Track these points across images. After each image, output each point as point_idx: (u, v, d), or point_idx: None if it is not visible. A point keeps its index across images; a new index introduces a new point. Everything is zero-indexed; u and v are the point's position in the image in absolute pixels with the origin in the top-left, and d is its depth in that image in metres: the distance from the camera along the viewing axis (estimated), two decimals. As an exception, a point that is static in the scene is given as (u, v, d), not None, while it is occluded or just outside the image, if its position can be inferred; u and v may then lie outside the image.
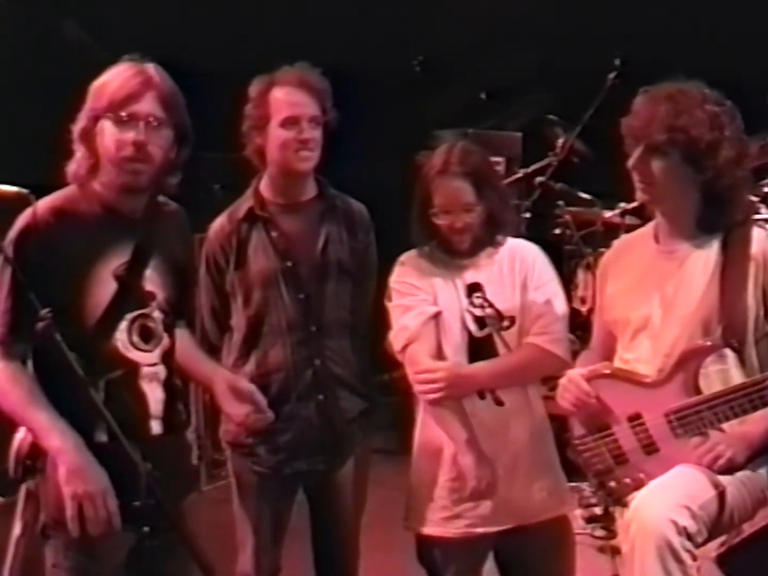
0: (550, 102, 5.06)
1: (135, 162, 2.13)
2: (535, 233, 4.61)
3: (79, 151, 2.16)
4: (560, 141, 4.67)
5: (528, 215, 4.64)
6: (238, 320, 2.76)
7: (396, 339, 2.65)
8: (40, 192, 2.17)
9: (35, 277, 2.06)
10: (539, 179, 4.63)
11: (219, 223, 2.76)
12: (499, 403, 2.61)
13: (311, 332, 2.71)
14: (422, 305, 2.63)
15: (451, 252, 2.65)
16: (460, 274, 2.65)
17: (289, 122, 2.64)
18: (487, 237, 2.64)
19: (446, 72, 5.38)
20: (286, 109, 2.64)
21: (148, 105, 2.13)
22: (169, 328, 2.27)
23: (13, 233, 2.14)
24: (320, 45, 4.95)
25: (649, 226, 2.52)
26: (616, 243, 2.70)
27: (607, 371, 2.44)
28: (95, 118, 2.14)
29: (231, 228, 2.73)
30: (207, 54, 4.69)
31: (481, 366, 2.60)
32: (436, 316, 2.62)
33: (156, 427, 2.21)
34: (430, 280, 2.65)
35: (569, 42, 5.11)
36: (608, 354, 2.52)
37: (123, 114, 2.11)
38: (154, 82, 2.15)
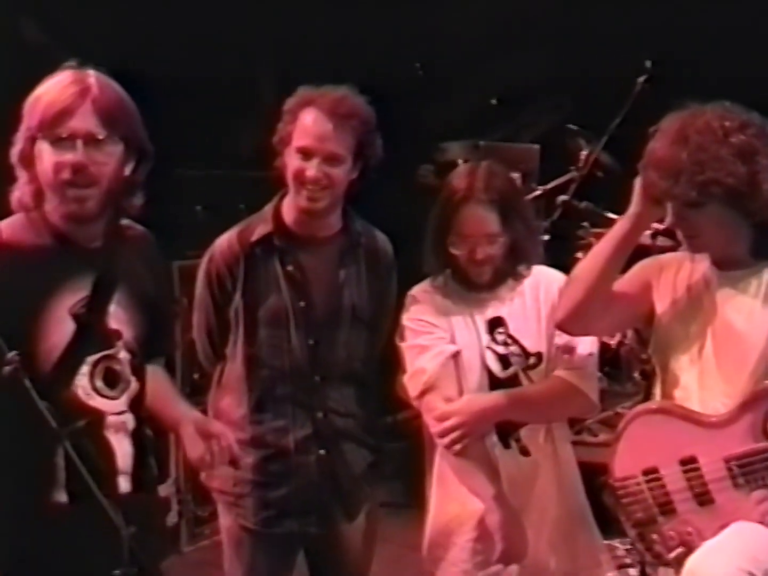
0: (571, 109, 5.14)
1: (76, 187, 2.09)
2: (557, 258, 4.65)
3: (22, 176, 2.14)
4: (583, 153, 4.74)
5: (547, 238, 4.68)
6: (235, 353, 2.79)
7: (412, 383, 2.69)
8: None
9: None
10: (561, 198, 4.69)
11: (227, 241, 2.78)
12: (526, 452, 2.66)
13: (315, 382, 2.75)
14: (439, 344, 2.67)
15: (467, 285, 2.70)
16: (479, 308, 2.70)
17: (303, 152, 2.65)
18: (509, 269, 2.69)
19: (452, 76, 5.45)
20: (305, 138, 2.64)
21: (85, 120, 2.08)
22: (139, 371, 2.24)
23: None
24: (308, 48, 5.06)
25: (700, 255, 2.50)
26: (658, 256, 2.67)
27: (656, 406, 2.44)
28: (31, 139, 2.10)
29: (241, 250, 2.75)
30: (186, 62, 4.74)
31: (502, 394, 2.64)
32: (455, 356, 2.66)
33: (124, 484, 2.18)
34: (447, 315, 2.70)
35: (592, 40, 5.17)
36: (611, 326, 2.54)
37: (58, 132, 2.07)
38: (91, 93, 2.10)
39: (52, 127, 2.07)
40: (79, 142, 2.07)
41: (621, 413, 4.21)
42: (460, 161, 4.79)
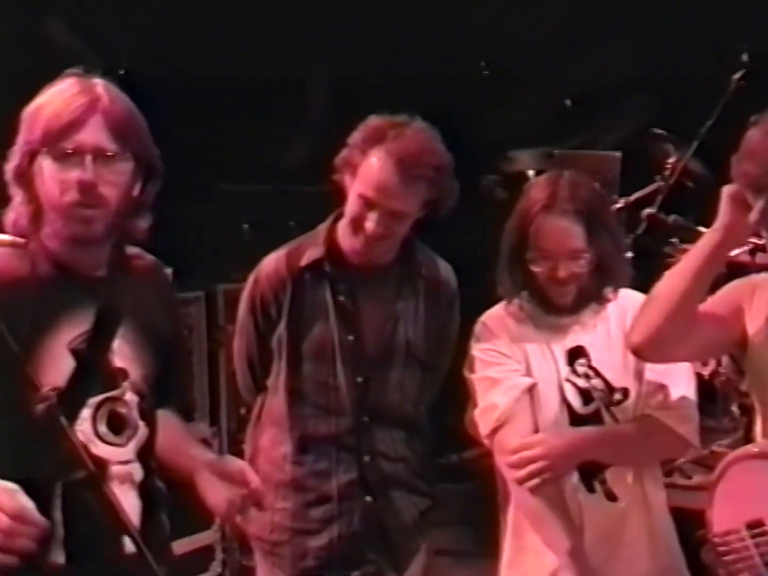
0: (657, 111, 5.11)
1: (83, 207, 2.07)
2: (641, 278, 4.61)
3: (17, 196, 2.11)
4: (671, 161, 4.69)
5: (631, 255, 4.65)
6: (278, 386, 2.82)
7: (483, 420, 2.69)
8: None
9: None
10: (646, 211, 4.65)
11: (274, 263, 2.81)
12: (612, 497, 2.65)
13: (362, 423, 2.77)
14: (513, 377, 2.67)
15: (547, 307, 2.70)
16: (557, 336, 2.70)
17: (364, 201, 2.66)
18: (594, 291, 2.69)
19: (521, 75, 5.44)
20: (369, 187, 2.64)
21: (94, 134, 2.06)
22: (148, 416, 2.21)
23: None
24: (363, 48, 5.09)
25: None
26: (751, 276, 2.66)
27: (757, 449, 2.41)
28: (31, 154, 2.08)
29: (288, 274, 2.78)
30: (228, 64, 4.79)
31: (592, 431, 2.63)
32: (531, 390, 2.66)
33: (130, 544, 2.07)
34: (521, 344, 2.70)
35: (680, 33, 5.14)
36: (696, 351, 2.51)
37: (64, 147, 2.05)
38: (101, 104, 2.08)
39: (57, 141, 2.05)
40: (88, 158, 2.05)
41: (717, 452, 4.14)
42: (530, 172, 4.82)
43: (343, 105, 4.58)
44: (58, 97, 2.09)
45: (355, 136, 2.69)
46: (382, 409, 2.76)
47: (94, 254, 2.15)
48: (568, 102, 5.41)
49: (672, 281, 2.44)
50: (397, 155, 2.61)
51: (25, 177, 2.09)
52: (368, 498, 2.77)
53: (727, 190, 2.38)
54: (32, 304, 2.06)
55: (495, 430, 2.66)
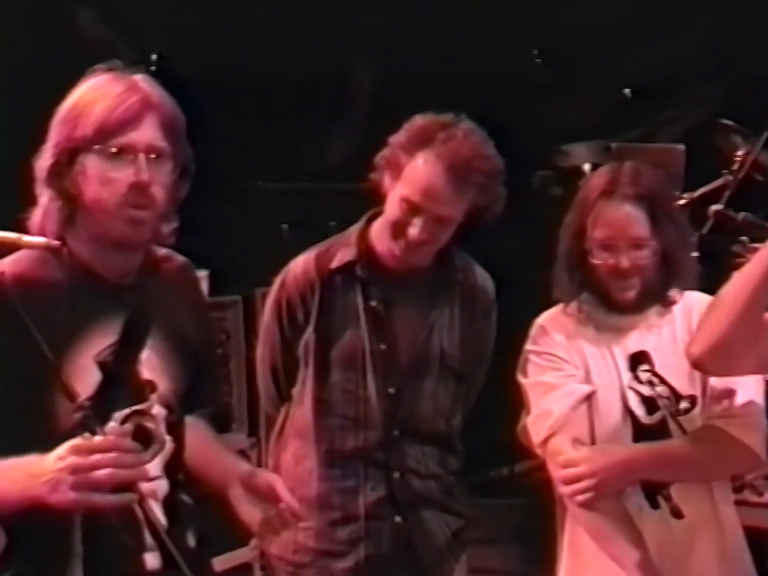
0: (724, 100, 5.06)
1: (134, 209, 2.10)
2: (707, 280, 4.57)
3: (45, 196, 2.13)
4: (739, 153, 4.65)
5: (696, 255, 4.62)
6: (303, 395, 2.83)
7: (535, 428, 2.67)
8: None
9: None
10: (713, 207, 4.61)
11: (302, 265, 2.82)
12: (679, 514, 2.62)
13: (393, 437, 2.78)
14: (570, 383, 2.66)
15: (608, 306, 2.68)
16: (619, 338, 2.68)
17: (408, 205, 2.66)
18: (659, 288, 2.67)
19: (575, 63, 5.42)
20: (414, 191, 2.64)
21: (148, 132, 2.10)
22: (175, 429, 2.23)
23: None
24: (407, 39, 5.09)
25: None
26: None
27: None
28: (70, 152, 2.10)
29: (318, 276, 2.79)
30: (267, 61, 4.81)
31: (643, 448, 2.61)
32: (589, 398, 2.64)
33: (152, 560, 2.14)
34: (580, 348, 2.69)
35: (749, 14, 5.07)
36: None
37: (116, 145, 2.08)
38: (153, 102, 2.11)
39: (109, 139, 2.08)
40: (142, 158, 2.08)
41: (790, 468, 4.12)
42: (586, 166, 4.80)
43: (386, 100, 4.59)
44: (106, 94, 2.10)
45: (400, 136, 2.69)
46: (413, 422, 2.77)
47: (127, 259, 2.17)
48: (627, 91, 5.39)
49: (738, 285, 2.38)
50: (447, 159, 2.61)
51: (61, 176, 2.11)
52: (398, 518, 2.77)
53: None
54: (58, 313, 2.06)
55: (548, 439, 2.65)
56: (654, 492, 2.64)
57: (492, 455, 3.68)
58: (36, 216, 2.14)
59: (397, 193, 2.68)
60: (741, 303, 2.35)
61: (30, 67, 4.79)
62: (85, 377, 2.09)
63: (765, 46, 4.92)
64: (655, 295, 2.67)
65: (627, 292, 2.65)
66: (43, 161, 2.12)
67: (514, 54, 5.35)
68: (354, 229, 2.82)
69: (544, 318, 2.77)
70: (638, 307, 2.67)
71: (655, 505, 2.63)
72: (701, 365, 2.49)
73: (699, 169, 4.83)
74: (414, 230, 2.65)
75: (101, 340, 2.12)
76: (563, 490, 2.62)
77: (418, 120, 2.70)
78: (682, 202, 4.72)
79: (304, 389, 2.82)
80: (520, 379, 2.74)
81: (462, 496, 2.91)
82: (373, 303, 2.76)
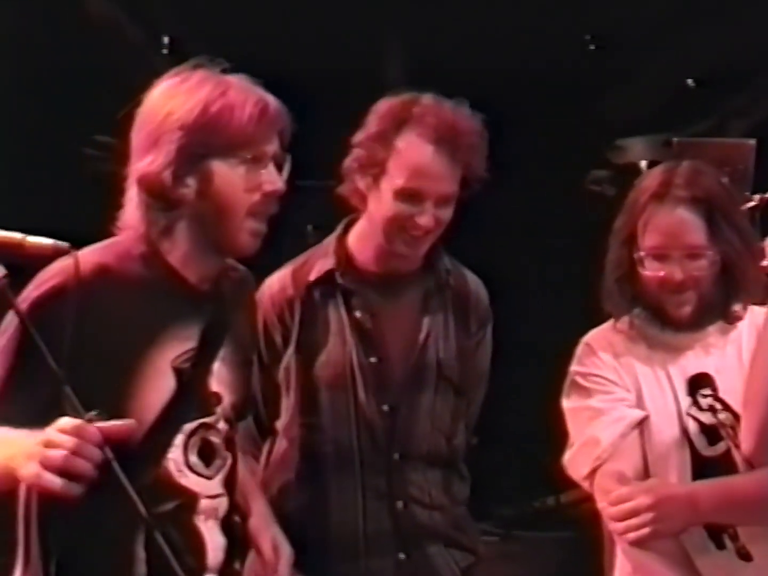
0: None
1: (260, 220, 2.28)
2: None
3: (139, 199, 2.26)
4: (815, 150, 4.61)
5: (767, 263, 4.57)
6: (288, 425, 2.81)
7: (581, 458, 2.64)
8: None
9: (61, 356, 2.04)
10: (787, 209, 4.57)
11: (278, 282, 2.83)
12: (746, 556, 2.57)
13: (393, 462, 2.76)
14: (620, 407, 2.62)
15: (662, 322, 2.64)
16: (676, 359, 2.64)
17: (408, 194, 2.68)
18: (720, 302, 2.61)
19: (633, 50, 5.39)
20: (410, 177, 2.67)
21: (276, 142, 2.29)
22: (232, 444, 2.34)
23: (35, 291, 2.17)
24: (441, 26, 5.07)
25: None
26: None
27: None
28: (196, 158, 2.23)
29: (296, 293, 2.79)
30: (291, 55, 4.84)
31: (708, 484, 2.56)
32: (641, 424, 2.61)
33: None
34: (632, 368, 2.65)
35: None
36: None
37: (250, 154, 2.25)
38: (270, 107, 2.27)
39: (246, 148, 2.24)
40: (272, 166, 2.27)
41: None
42: (643, 163, 4.77)
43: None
44: (237, 102, 2.24)
45: (368, 131, 2.72)
46: (413, 443, 2.76)
47: (213, 266, 2.31)
48: (690, 81, 5.38)
49: (756, 372, 2.38)
50: (432, 134, 2.66)
51: (176, 181, 2.23)
52: (401, 554, 2.75)
53: None
54: (141, 310, 2.22)
55: (595, 471, 2.61)
56: (719, 531, 2.59)
57: (536, 484, 3.63)
58: (129, 219, 2.27)
59: (386, 189, 2.69)
60: (764, 392, 2.35)
61: (37, 54, 4.84)
62: (162, 383, 2.22)
63: None
64: (715, 311, 2.63)
65: (682, 307, 2.61)
66: (152, 166, 2.22)
67: (566, 40, 5.36)
68: (331, 239, 2.85)
69: (591, 336, 2.73)
70: (696, 324, 2.61)
71: (720, 545, 2.58)
72: (755, 462, 2.47)
73: (770, 168, 4.80)
74: (424, 218, 2.67)
75: (180, 346, 2.25)
76: (614, 526, 2.58)
77: (381, 107, 2.75)
78: (752, 203, 4.68)
79: (288, 418, 2.81)
80: (564, 403, 2.70)
81: (471, 529, 2.90)
82: (358, 314, 2.77)
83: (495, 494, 2.97)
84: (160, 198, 2.24)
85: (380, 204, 2.71)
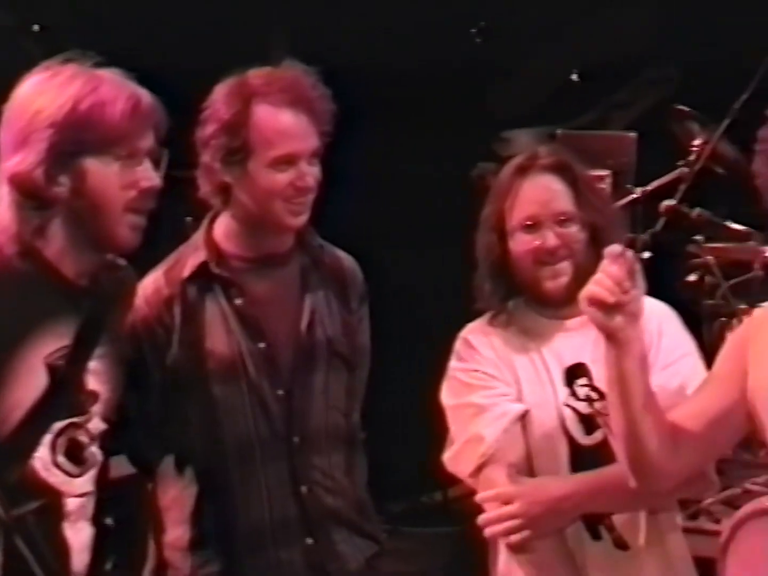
0: (679, 84, 5.10)
1: (138, 214, 2.29)
2: (658, 282, 4.60)
3: (10, 197, 2.23)
4: (696, 143, 4.70)
5: (648, 255, 4.64)
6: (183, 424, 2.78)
7: (465, 456, 2.66)
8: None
9: None
10: (666, 203, 4.64)
11: (152, 284, 2.79)
12: (623, 545, 2.62)
13: (294, 445, 2.75)
14: (502, 403, 2.65)
15: (540, 303, 2.67)
16: (554, 348, 2.67)
17: (283, 161, 2.69)
18: (593, 273, 2.60)
19: (519, 44, 5.43)
20: (279, 144, 2.67)
21: (150, 137, 2.29)
22: (108, 443, 2.32)
23: None
24: (323, 20, 5.07)
25: None
26: (758, 312, 2.57)
27: None
28: (66, 155, 2.21)
29: (172, 291, 2.76)
30: (168, 43, 4.80)
31: (584, 480, 2.60)
32: (523, 418, 2.63)
33: None
34: (510, 362, 2.68)
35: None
36: (707, 451, 2.44)
37: (124, 150, 2.25)
38: (142, 104, 2.26)
39: (119, 144, 2.23)
40: (147, 162, 2.27)
41: (752, 491, 4.13)
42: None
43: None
44: (109, 92, 2.23)
45: (216, 122, 2.70)
46: (311, 424, 2.75)
47: (92, 262, 2.29)
48: (574, 76, 5.43)
49: (615, 417, 2.36)
50: (283, 97, 2.68)
51: (50, 180, 2.21)
52: (309, 540, 2.74)
53: (585, 295, 2.26)
54: (14, 305, 2.19)
55: (480, 468, 2.63)
56: (595, 522, 2.64)
57: (423, 480, 3.63)
58: (0, 218, 2.24)
59: (257, 168, 2.68)
60: (627, 432, 2.34)
61: None
62: (33, 379, 2.19)
63: (725, 27, 4.96)
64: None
65: (558, 278, 2.64)
66: (22, 165, 2.20)
67: (452, 33, 5.37)
68: (199, 234, 2.83)
69: (468, 330, 2.75)
70: (573, 297, 2.54)
71: (597, 536, 2.63)
72: (652, 494, 2.50)
73: (652, 160, 4.87)
74: (305, 179, 2.69)
75: (54, 342, 2.22)
76: (496, 528, 2.61)
77: (219, 94, 2.73)
78: (633, 196, 4.76)
79: (182, 416, 2.77)
80: (445, 400, 2.73)
81: (374, 517, 2.89)
82: (239, 302, 2.74)
83: (382, 490, 2.97)
84: (32, 197, 2.22)
85: (255, 185, 2.70)
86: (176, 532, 2.76)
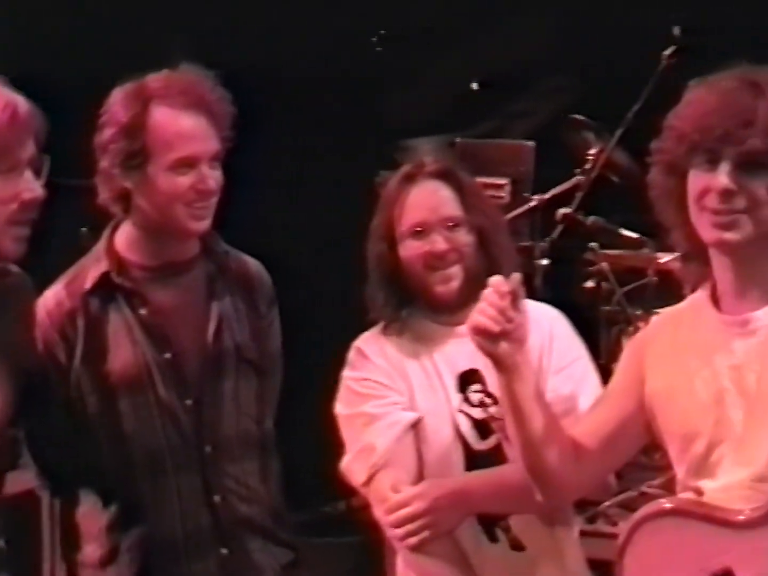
0: (575, 94, 5.16)
1: (21, 226, 2.26)
2: (557, 288, 4.66)
3: None
4: (592, 151, 4.76)
5: (546, 262, 4.70)
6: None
7: (358, 465, 2.67)
8: None
9: None
10: (562, 211, 4.70)
11: (53, 298, 2.75)
12: (518, 546, 2.64)
13: (206, 454, 2.73)
14: (395, 412, 2.66)
15: (431, 308, 2.69)
16: (447, 354, 2.69)
17: (183, 164, 2.66)
18: (484, 277, 2.55)
19: (418, 51, 5.45)
20: (180, 145, 2.65)
21: (30, 147, 2.24)
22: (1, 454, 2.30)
23: None
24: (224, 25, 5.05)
25: (701, 290, 2.39)
26: (655, 318, 2.64)
27: (669, 506, 2.33)
28: None
29: (74, 304, 2.73)
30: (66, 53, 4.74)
31: (476, 477, 2.63)
32: (416, 425, 2.65)
33: None
34: (403, 370, 2.69)
35: (601, 6, 5.19)
36: (608, 461, 2.48)
37: (4, 163, 2.20)
38: (19, 113, 2.21)
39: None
40: (28, 172, 2.22)
41: (648, 493, 4.20)
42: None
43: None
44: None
45: (114, 127, 2.67)
46: (223, 432, 2.74)
47: None
48: (473, 85, 5.45)
49: (513, 438, 2.40)
50: (181, 99, 2.66)
51: None
52: (224, 550, 2.72)
53: (470, 325, 2.30)
54: None
55: (372, 477, 2.64)
56: (492, 524, 2.67)
57: (325, 489, 3.63)
58: None
59: (157, 172, 2.66)
60: (525, 449, 2.38)
61: None
62: None
63: (619, 37, 5.03)
64: (479, 287, 2.55)
65: (449, 282, 2.66)
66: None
67: (353, 41, 5.35)
68: (100, 245, 2.80)
69: (362, 339, 2.77)
70: (464, 301, 2.62)
71: (493, 538, 2.66)
72: (556, 508, 2.57)
73: (549, 168, 4.92)
74: (206, 182, 2.66)
75: None
76: (393, 533, 2.63)
77: (115, 99, 2.70)
78: (531, 204, 4.81)
79: (92, 431, 2.74)
80: (338, 409, 2.74)
81: (289, 523, 2.88)
82: (143, 311, 2.72)
83: (286, 499, 2.97)
84: None
85: (155, 190, 2.67)
86: (87, 548, 2.74)
